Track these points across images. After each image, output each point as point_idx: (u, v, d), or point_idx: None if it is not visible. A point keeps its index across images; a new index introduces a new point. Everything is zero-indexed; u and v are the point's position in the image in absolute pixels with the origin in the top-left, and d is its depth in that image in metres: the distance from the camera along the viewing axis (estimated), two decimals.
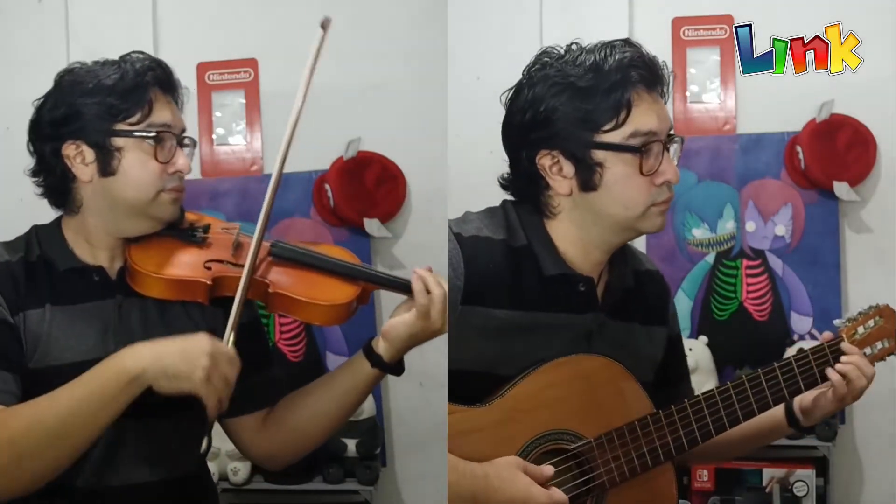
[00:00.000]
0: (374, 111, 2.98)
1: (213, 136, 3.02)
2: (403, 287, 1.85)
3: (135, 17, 2.98)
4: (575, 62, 1.77)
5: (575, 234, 1.81)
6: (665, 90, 1.80)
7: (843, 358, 1.85)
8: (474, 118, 2.94)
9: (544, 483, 1.70)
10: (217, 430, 2.83)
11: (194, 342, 1.68)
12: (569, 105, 1.75)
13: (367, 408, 2.89)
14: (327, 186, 2.93)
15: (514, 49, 3.02)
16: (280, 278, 1.83)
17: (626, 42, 1.79)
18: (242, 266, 1.79)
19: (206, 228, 1.88)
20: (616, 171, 1.75)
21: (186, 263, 1.82)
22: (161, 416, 1.80)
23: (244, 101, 3.00)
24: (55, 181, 1.85)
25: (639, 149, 1.74)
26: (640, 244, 2.94)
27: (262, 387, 1.93)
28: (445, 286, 1.78)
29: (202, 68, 2.99)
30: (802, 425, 1.91)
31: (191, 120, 2.99)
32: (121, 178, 1.80)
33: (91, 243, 1.84)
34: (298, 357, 2.92)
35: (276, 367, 2.00)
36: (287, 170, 2.96)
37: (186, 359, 1.66)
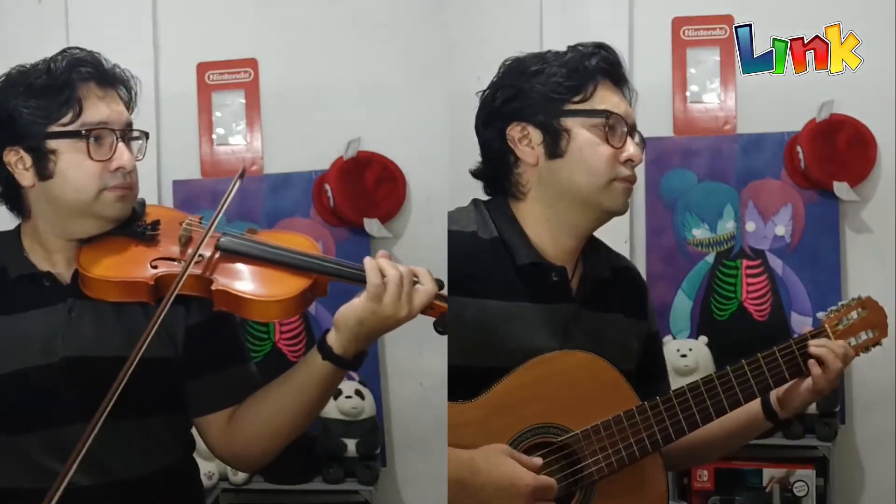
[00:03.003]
0: (374, 111, 2.99)
1: (213, 136, 3.02)
2: (360, 277, 1.72)
3: (135, 17, 2.98)
4: (545, 55, 1.91)
5: (544, 216, 1.87)
6: (628, 92, 1.91)
7: (813, 342, 1.88)
8: (474, 118, 2.96)
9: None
10: None
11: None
12: (541, 80, 1.86)
13: (367, 408, 2.89)
14: (327, 186, 2.93)
15: (514, 49, 3.02)
16: (226, 273, 1.75)
17: (598, 45, 1.91)
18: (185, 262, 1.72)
19: (156, 224, 1.81)
20: (582, 137, 1.84)
21: (132, 263, 1.76)
22: (132, 417, 1.75)
23: (244, 101, 3.00)
24: (4, 188, 1.81)
25: (605, 115, 1.83)
26: (640, 244, 2.96)
27: (225, 385, 1.86)
28: (402, 270, 1.70)
29: (202, 68, 2.99)
30: (780, 417, 1.92)
31: (191, 120, 3.01)
32: (59, 180, 1.75)
33: (46, 248, 1.81)
34: (298, 357, 2.91)
35: (242, 365, 1.90)
36: (287, 170, 3.01)
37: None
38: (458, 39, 2.95)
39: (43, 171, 1.76)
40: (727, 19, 2.96)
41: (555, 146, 1.84)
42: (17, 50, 2.93)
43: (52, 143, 1.75)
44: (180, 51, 2.99)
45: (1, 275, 1.80)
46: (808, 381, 1.87)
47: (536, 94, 1.86)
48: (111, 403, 1.59)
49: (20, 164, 1.77)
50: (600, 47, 1.90)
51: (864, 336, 1.92)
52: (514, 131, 1.88)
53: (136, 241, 1.79)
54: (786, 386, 1.90)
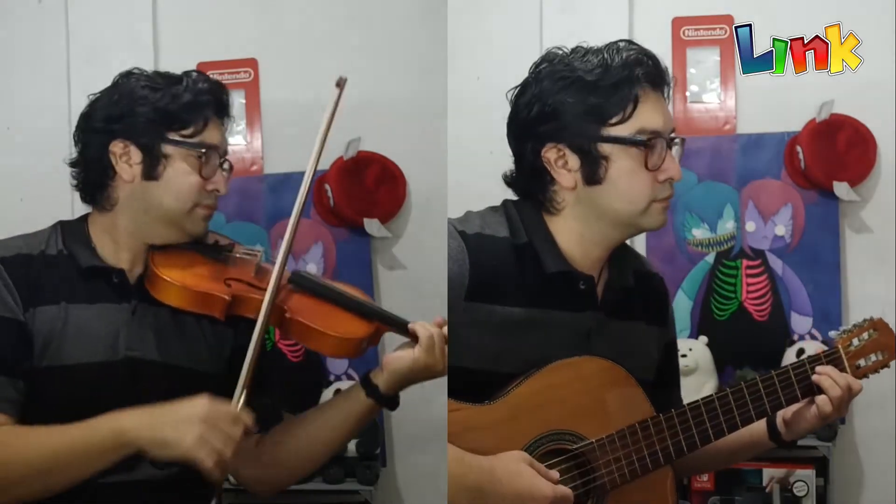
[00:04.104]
0: (374, 111, 2.98)
1: None
2: (412, 333, 1.89)
3: (135, 17, 2.98)
4: (582, 59, 1.81)
5: (577, 231, 1.83)
6: (668, 91, 1.83)
7: (817, 368, 1.86)
8: (474, 118, 2.96)
9: None
10: None
11: (189, 409, 1.70)
12: (576, 98, 1.78)
13: None
14: (327, 186, 2.93)
15: (514, 49, 3.03)
16: (298, 306, 1.87)
17: (630, 42, 1.82)
18: (263, 289, 1.82)
19: (231, 248, 1.93)
20: (621, 164, 1.78)
21: (208, 277, 1.85)
22: None
23: (244, 101, 3.00)
24: (94, 176, 1.87)
25: (644, 142, 1.76)
26: (640, 244, 2.95)
27: (257, 411, 1.90)
28: (445, 331, 1.82)
29: (202, 68, 2.96)
30: (784, 439, 1.91)
31: None
32: (163, 184, 1.84)
33: (117, 243, 1.87)
34: (298, 357, 2.92)
35: (271, 393, 2.00)
36: (287, 170, 3.01)
37: (177, 427, 1.68)
38: (458, 39, 2.95)
39: (151, 171, 1.84)
40: (727, 19, 2.96)
41: (593, 173, 1.79)
42: (17, 50, 2.96)
43: (169, 149, 1.84)
44: (180, 51, 2.99)
45: (69, 262, 1.85)
46: (814, 408, 1.86)
47: (573, 115, 1.78)
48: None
49: (125, 158, 1.84)
50: (642, 56, 1.81)
51: (873, 358, 1.92)
52: (550, 153, 1.81)
53: (207, 259, 1.89)
54: (794, 408, 1.88)
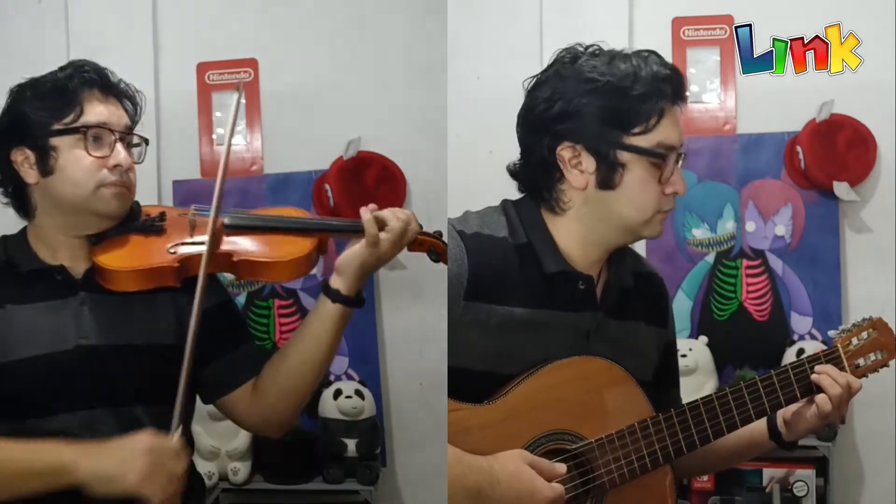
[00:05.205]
0: (374, 111, 2.99)
1: (213, 136, 3.02)
2: (357, 229, 1.89)
3: (135, 17, 2.98)
4: (609, 63, 1.79)
5: (578, 232, 1.83)
6: (683, 106, 1.83)
7: (816, 368, 1.86)
8: (474, 118, 2.96)
9: (552, 479, 1.71)
10: (218, 431, 2.85)
11: (132, 444, 1.70)
12: (603, 102, 1.76)
13: (368, 408, 2.89)
14: (327, 186, 2.93)
15: (514, 49, 3.04)
16: (240, 247, 1.90)
17: (658, 55, 1.81)
18: (202, 244, 1.84)
19: (162, 216, 1.93)
20: (636, 173, 1.78)
21: (150, 252, 1.87)
22: (135, 403, 1.84)
23: (244, 101, 2.99)
24: (12, 189, 1.91)
25: (663, 156, 1.77)
26: (640, 244, 2.95)
27: (243, 361, 1.97)
28: (406, 216, 1.87)
29: (202, 68, 2.99)
30: (785, 440, 1.91)
31: (191, 120, 3.01)
32: (59, 175, 1.85)
33: (50, 245, 1.89)
34: None
35: (252, 341, 2.04)
36: (287, 170, 3.02)
37: (121, 461, 1.68)
38: (458, 39, 2.95)
39: (45, 167, 1.86)
40: (727, 19, 2.97)
41: (608, 179, 1.78)
42: (17, 50, 2.97)
43: (55, 141, 1.85)
44: (180, 51, 3.00)
45: (12, 269, 1.88)
46: (814, 407, 1.85)
47: (597, 119, 1.76)
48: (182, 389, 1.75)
49: (26, 163, 1.87)
50: (670, 72, 1.79)
51: (873, 357, 1.92)
52: (565, 152, 1.79)
53: (145, 234, 1.90)
54: (794, 408, 1.87)
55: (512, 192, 1.90)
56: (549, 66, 1.83)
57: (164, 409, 1.79)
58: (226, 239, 1.90)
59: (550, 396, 1.77)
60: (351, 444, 2.86)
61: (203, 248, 1.83)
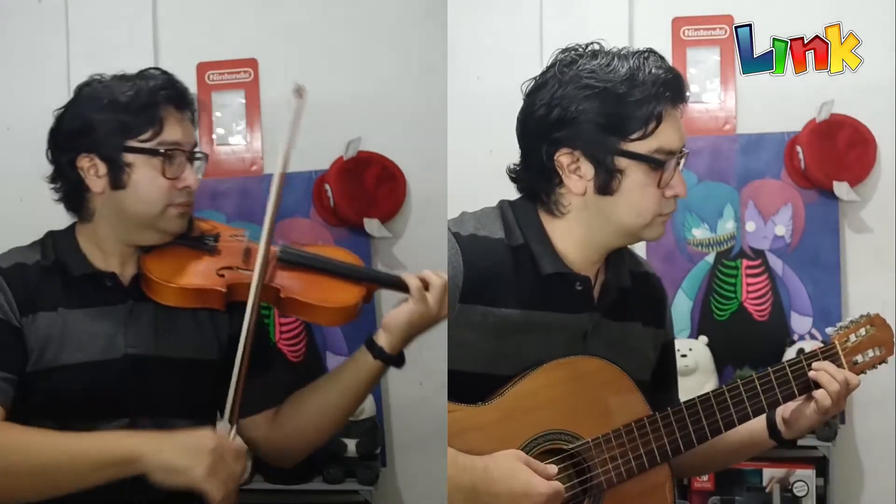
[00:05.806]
0: (374, 111, 2.99)
1: (213, 136, 3.02)
2: (404, 285, 1.90)
3: (135, 17, 2.98)
4: (608, 67, 1.77)
5: (577, 234, 1.82)
6: (684, 107, 1.81)
7: (814, 364, 1.86)
8: (474, 118, 2.96)
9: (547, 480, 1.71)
10: None
11: (199, 438, 1.72)
12: (600, 109, 1.75)
13: (368, 408, 2.89)
14: (327, 186, 2.93)
15: (514, 49, 3.04)
16: (289, 283, 1.89)
17: (658, 55, 1.80)
18: (251, 271, 1.84)
19: (217, 237, 1.94)
20: (634, 178, 1.77)
21: (200, 272, 1.88)
22: (175, 415, 1.86)
23: (244, 101, 3.00)
24: (70, 190, 1.90)
25: (662, 162, 1.76)
26: (639, 244, 2.95)
27: (269, 387, 1.98)
28: (445, 276, 1.83)
29: (202, 68, 2.99)
30: (784, 437, 1.91)
31: None
32: (130, 192, 1.86)
33: (103, 250, 1.90)
34: (298, 357, 2.92)
35: (280, 367, 2.05)
36: (287, 169, 3.01)
37: (188, 455, 1.69)
38: (458, 39, 2.95)
39: (117, 180, 1.86)
40: (727, 19, 2.97)
41: (606, 185, 1.77)
42: (18, 50, 2.97)
43: (130, 157, 1.86)
44: (180, 51, 2.99)
45: (61, 271, 1.88)
46: (813, 403, 1.84)
47: (593, 125, 1.76)
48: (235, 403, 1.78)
49: (93, 171, 1.87)
50: (670, 75, 1.78)
51: (871, 353, 1.92)
52: (563, 157, 1.78)
53: (197, 252, 1.91)
54: (793, 406, 1.87)
55: (512, 192, 1.90)
56: (548, 69, 1.82)
57: (203, 423, 1.82)
58: (276, 273, 1.89)
59: (547, 396, 1.77)
60: (351, 444, 2.86)
61: (253, 277, 1.82)
